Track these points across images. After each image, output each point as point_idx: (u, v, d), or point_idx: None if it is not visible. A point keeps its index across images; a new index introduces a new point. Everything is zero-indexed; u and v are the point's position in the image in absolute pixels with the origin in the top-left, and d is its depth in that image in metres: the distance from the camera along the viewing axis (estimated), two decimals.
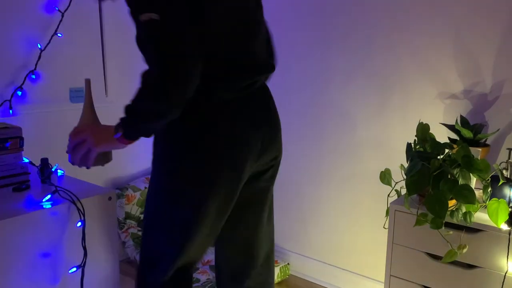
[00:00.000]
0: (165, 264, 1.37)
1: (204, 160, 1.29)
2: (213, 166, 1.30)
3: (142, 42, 1.25)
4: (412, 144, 1.85)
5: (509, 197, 1.69)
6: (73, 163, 1.34)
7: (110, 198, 1.50)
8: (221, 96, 1.30)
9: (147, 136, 1.27)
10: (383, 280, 1.95)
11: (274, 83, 2.66)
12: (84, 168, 1.34)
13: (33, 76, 2.35)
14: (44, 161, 1.53)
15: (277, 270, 2.60)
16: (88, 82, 1.43)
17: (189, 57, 1.16)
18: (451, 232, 1.69)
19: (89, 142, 1.28)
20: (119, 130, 1.25)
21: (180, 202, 1.32)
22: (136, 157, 2.77)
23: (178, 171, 1.31)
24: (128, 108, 1.24)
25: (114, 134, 1.25)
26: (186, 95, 1.18)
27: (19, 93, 2.31)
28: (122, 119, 1.25)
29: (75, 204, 1.38)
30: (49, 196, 1.38)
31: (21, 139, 1.58)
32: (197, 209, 1.31)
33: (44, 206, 1.36)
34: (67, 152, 1.35)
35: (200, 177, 1.30)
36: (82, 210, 1.39)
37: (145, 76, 1.20)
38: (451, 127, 1.94)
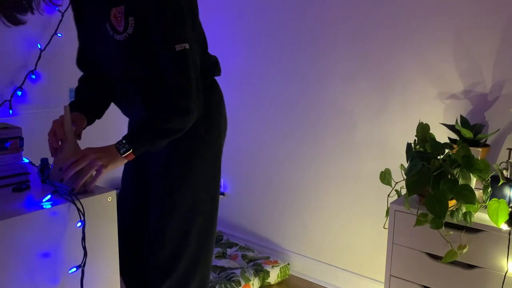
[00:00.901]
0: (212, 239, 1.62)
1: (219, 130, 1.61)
2: (223, 132, 1.65)
3: (165, 69, 1.39)
4: (412, 144, 1.85)
5: (509, 197, 1.69)
6: (73, 189, 1.37)
7: (110, 198, 1.50)
8: (214, 87, 1.63)
9: (158, 150, 1.42)
10: (383, 280, 1.95)
11: (275, 83, 2.67)
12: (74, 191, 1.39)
13: (33, 76, 2.35)
14: (44, 161, 1.52)
15: (277, 270, 2.60)
16: (67, 108, 1.44)
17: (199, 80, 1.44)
18: (451, 232, 1.69)
19: (97, 165, 1.35)
20: (124, 148, 1.36)
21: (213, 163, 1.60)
22: None
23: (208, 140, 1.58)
24: (148, 128, 1.38)
25: (121, 153, 1.36)
26: (200, 111, 1.45)
27: (19, 93, 2.32)
28: (131, 138, 1.38)
29: (75, 204, 1.38)
30: (49, 197, 1.38)
31: (21, 139, 1.57)
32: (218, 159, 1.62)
33: (44, 206, 1.36)
34: (61, 180, 1.37)
35: (218, 140, 1.61)
36: (82, 210, 1.39)
37: (169, 99, 1.38)
38: (451, 127, 1.94)
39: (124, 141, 1.37)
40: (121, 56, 1.47)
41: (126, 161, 1.39)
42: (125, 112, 1.66)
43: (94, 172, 1.38)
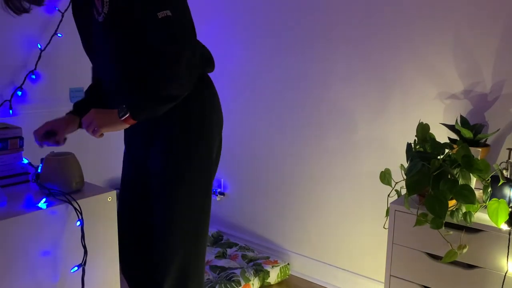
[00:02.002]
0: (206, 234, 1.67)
1: (215, 123, 1.64)
2: (218, 127, 1.66)
3: (153, 38, 1.41)
4: (412, 144, 1.85)
5: (509, 197, 1.69)
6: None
7: (110, 198, 1.50)
8: (207, 81, 1.64)
9: (155, 116, 1.48)
10: (383, 280, 1.95)
11: (275, 84, 2.66)
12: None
13: (33, 76, 2.35)
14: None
15: (277, 270, 2.60)
16: None
17: (196, 47, 1.46)
18: (451, 232, 1.69)
19: (94, 124, 1.45)
20: (123, 111, 1.41)
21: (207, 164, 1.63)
22: None
23: (204, 132, 1.61)
24: (145, 95, 1.43)
25: (120, 117, 1.42)
26: (195, 79, 1.48)
27: (19, 93, 2.32)
28: (131, 104, 1.42)
29: (71, 204, 1.38)
30: (44, 199, 1.38)
31: (21, 139, 1.57)
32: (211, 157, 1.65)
33: (43, 207, 1.36)
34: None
35: (214, 134, 1.63)
36: (79, 210, 1.40)
37: (162, 66, 1.41)
38: (451, 127, 1.94)
39: (124, 106, 1.42)
40: (101, 37, 1.51)
41: (125, 125, 1.44)
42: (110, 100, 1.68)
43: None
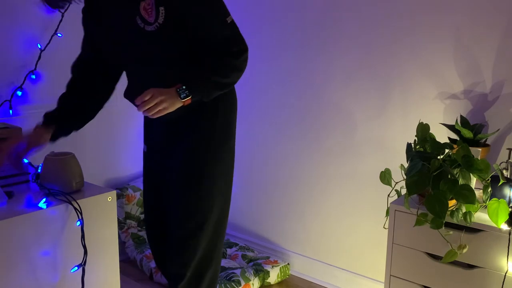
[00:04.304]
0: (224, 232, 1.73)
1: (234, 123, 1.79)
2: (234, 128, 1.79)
3: (223, 39, 1.56)
4: (412, 144, 1.85)
5: (509, 197, 1.69)
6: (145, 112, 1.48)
7: (110, 198, 1.50)
8: None
9: (208, 99, 1.59)
10: (383, 280, 1.95)
11: (276, 84, 2.66)
12: None
13: (33, 76, 2.35)
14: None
15: (277, 270, 2.60)
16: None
17: None
18: (451, 232, 1.69)
19: (164, 105, 1.46)
20: (184, 93, 1.48)
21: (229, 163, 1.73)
22: (136, 157, 2.77)
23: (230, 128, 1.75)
24: (207, 80, 1.54)
25: (181, 98, 1.49)
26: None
27: (19, 93, 2.31)
28: (191, 85, 1.50)
29: (72, 204, 1.39)
30: (44, 199, 1.38)
31: None
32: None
33: (43, 207, 1.36)
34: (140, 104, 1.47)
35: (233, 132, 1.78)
36: (79, 210, 1.40)
37: (228, 58, 1.57)
38: (451, 127, 1.94)
39: (184, 87, 1.48)
40: (153, 45, 1.55)
41: (181, 105, 1.49)
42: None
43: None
